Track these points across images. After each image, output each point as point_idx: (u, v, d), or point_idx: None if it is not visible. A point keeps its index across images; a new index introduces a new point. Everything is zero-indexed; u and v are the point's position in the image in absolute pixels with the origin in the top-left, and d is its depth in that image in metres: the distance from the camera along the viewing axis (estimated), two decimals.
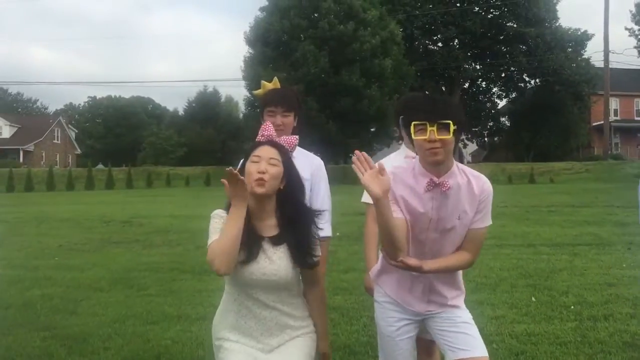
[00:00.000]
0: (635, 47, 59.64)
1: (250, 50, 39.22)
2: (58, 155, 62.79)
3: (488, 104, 53.18)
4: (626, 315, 5.18)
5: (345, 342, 4.58)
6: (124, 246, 9.99)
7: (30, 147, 58.23)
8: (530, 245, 9.24)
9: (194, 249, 9.63)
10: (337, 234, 10.82)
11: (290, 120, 3.03)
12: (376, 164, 2.07)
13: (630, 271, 7.05)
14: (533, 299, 5.76)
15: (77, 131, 70.63)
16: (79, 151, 68.33)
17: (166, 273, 7.45)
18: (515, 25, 46.77)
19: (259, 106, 3.21)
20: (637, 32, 60.03)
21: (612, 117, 45.06)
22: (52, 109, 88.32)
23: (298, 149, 2.65)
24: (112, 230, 12.47)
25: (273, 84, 3.12)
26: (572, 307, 5.46)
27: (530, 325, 4.94)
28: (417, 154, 2.30)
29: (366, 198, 2.83)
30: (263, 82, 3.12)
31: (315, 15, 37.10)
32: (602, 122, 46.53)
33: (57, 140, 63.55)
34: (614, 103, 47.52)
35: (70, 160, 64.23)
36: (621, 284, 6.35)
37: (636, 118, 52.28)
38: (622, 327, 4.85)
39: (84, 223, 13.93)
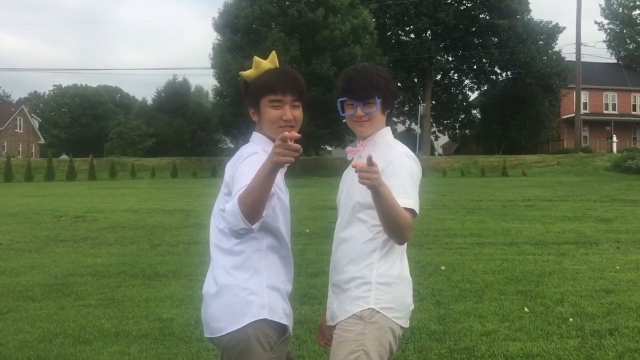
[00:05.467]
0: (604, 41, 60.24)
1: (219, 38, 38.09)
2: (21, 145, 60.71)
3: (460, 96, 52.93)
4: (633, 329, 4.56)
5: None
6: (70, 245, 9.05)
7: None
8: (512, 244, 8.62)
9: (149, 248, 8.77)
10: (307, 230, 10.06)
11: (301, 112, 2.27)
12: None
13: (626, 274, 6.44)
14: (526, 309, 5.08)
15: (40, 120, 68.31)
16: (42, 141, 66.02)
17: (112, 278, 6.59)
18: (487, 17, 46.55)
19: (247, 92, 2.24)
20: (606, 27, 60.58)
21: (581, 110, 45.11)
22: (15, 97, 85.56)
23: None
24: (62, 226, 11.48)
25: (270, 62, 2.23)
26: (571, 319, 4.80)
27: (527, 344, 4.27)
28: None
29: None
30: (256, 58, 2.22)
31: (287, 2, 36.16)
32: (571, 115, 46.62)
33: (20, 129, 61.40)
34: (583, 96, 47.59)
35: (33, 151, 62.12)
36: (619, 290, 5.73)
37: (605, 111, 52.57)
38: (632, 344, 4.22)
39: (33, 218, 12.88)
